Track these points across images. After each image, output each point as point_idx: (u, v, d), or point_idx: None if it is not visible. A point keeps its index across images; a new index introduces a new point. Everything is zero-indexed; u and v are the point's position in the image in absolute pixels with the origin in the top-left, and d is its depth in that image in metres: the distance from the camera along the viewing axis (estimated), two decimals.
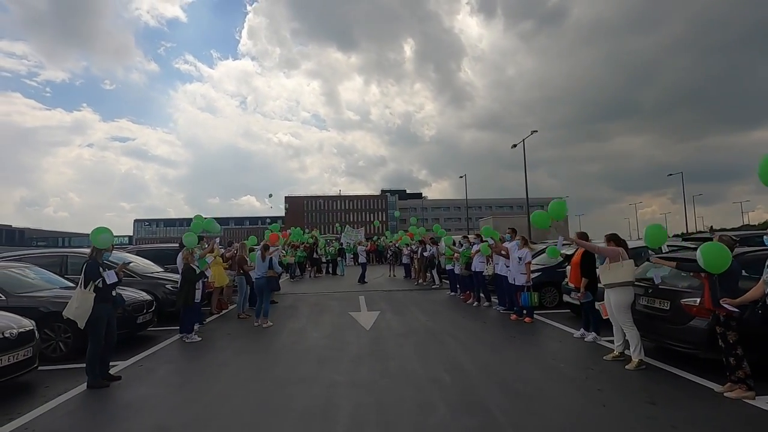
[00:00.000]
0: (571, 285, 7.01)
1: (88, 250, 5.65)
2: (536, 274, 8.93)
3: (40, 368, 5.00)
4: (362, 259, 17.55)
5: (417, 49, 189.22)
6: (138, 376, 5.19)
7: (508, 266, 8.65)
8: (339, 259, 22.13)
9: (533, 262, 8.52)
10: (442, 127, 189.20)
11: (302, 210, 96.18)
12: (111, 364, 5.21)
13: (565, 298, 8.32)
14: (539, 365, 5.30)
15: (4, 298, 5.92)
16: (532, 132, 24.73)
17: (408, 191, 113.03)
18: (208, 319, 9.00)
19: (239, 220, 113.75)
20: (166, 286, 8.70)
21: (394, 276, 18.88)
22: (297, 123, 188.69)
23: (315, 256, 20.44)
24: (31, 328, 4.98)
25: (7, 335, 4.57)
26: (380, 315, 9.10)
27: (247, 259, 9.66)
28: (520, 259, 8.14)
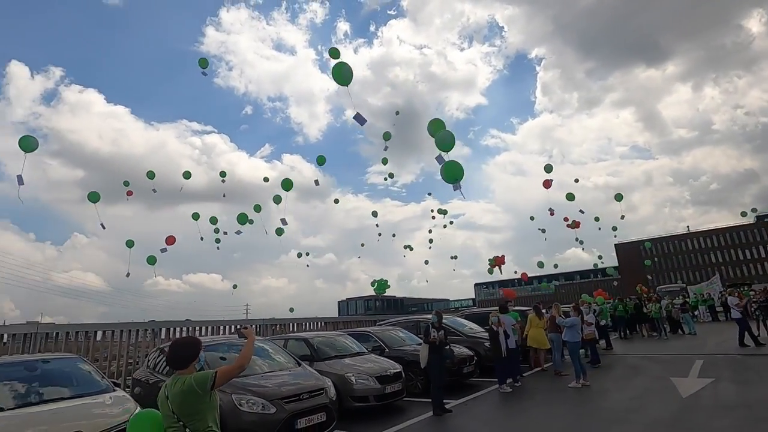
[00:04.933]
0: None
1: (429, 317, 8.33)
2: None
3: (405, 398, 7.70)
4: (736, 313, 12.50)
5: None
6: (463, 412, 7.07)
7: None
8: (686, 314, 18.48)
9: None
10: None
11: (638, 257, 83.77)
12: (445, 401, 7.33)
13: None
14: None
15: (387, 350, 9.37)
16: None
17: None
18: (525, 373, 10.26)
19: (569, 275, 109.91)
20: (485, 344, 10.69)
21: None
22: (613, 161, 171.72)
23: (645, 311, 18.18)
24: (400, 370, 7.84)
25: (389, 373, 7.50)
26: (712, 383, 7.78)
27: (561, 317, 10.51)
28: None
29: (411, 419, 6.74)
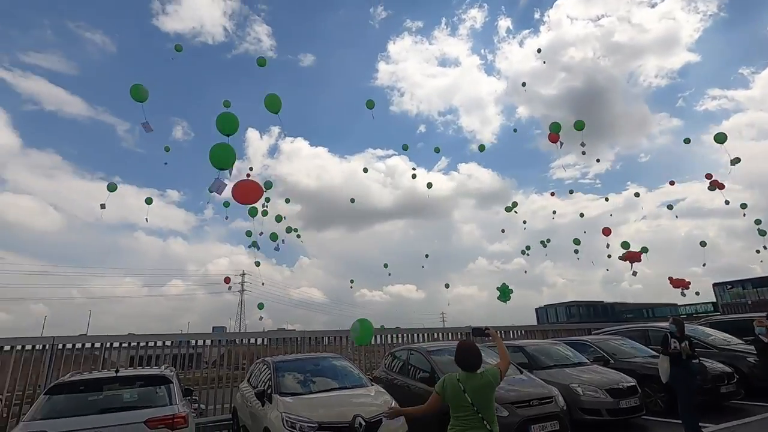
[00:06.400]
0: None
1: (664, 324, 7.32)
2: None
3: (645, 416, 6.87)
4: None
5: None
6: None
7: None
8: None
9: None
10: None
11: None
12: (702, 425, 6.24)
13: None
14: None
15: (612, 361, 8.53)
16: None
17: None
18: None
19: None
20: (748, 358, 8.62)
21: None
22: None
23: None
24: (634, 384, 7.07)
25: (621, 386, 6.87)
26: None
27: None
28: None
29: None
